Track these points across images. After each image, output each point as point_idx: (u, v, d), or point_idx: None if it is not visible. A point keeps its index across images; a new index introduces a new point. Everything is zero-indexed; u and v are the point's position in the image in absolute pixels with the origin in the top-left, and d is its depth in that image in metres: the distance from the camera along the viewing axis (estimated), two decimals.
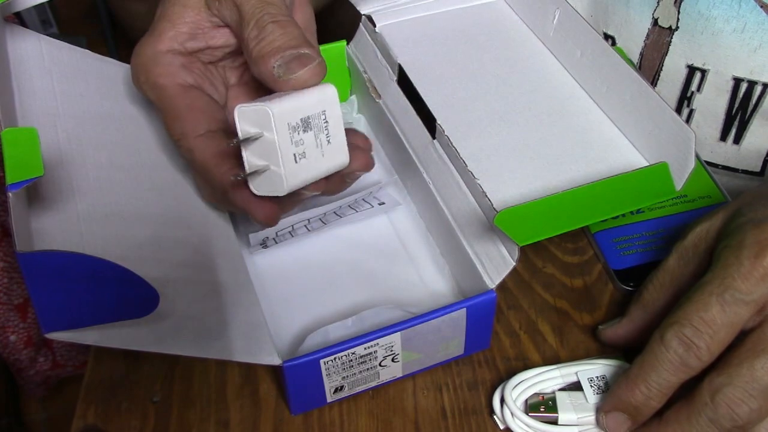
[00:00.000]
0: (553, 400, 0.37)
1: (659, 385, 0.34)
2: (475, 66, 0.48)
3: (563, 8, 0.46)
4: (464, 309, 0.37)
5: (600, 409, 0.36)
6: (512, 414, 0.37)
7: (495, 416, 0.38)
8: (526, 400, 0.38)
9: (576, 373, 0.38)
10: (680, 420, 0.33)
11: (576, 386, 0.38)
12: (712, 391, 0.33)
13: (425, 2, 0.52)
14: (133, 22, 1.06)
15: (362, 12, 0.50)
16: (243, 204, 0.39)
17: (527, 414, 0.37)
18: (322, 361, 0.36)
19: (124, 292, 0.32)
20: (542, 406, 0.37)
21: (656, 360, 0.34)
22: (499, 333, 0.42)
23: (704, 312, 0.33)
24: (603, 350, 0.41)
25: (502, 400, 0.38)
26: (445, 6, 0.52)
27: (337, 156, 0.39)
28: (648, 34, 0.51)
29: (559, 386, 0.38)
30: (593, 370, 0.38)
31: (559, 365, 0.39)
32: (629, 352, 0.40)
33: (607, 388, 0.37)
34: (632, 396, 0.34)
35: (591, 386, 0.38)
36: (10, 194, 0.32)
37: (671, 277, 0.38)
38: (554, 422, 0.37)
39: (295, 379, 0.36)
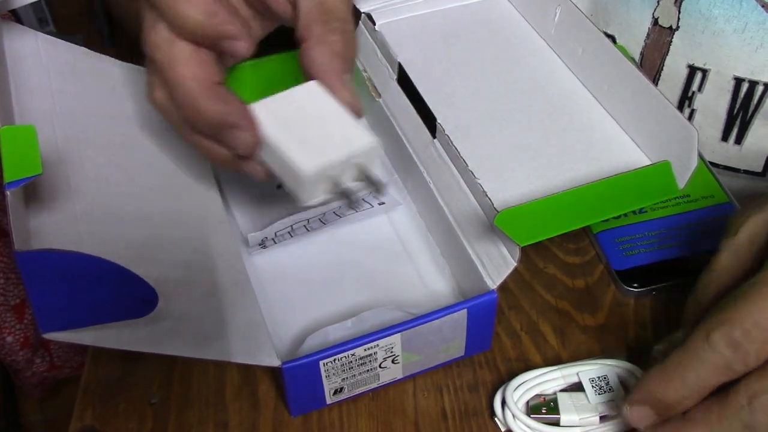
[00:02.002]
0: (555, 401, 0.37)
1: (697, 386, 0.31)
2: (476, 64, 0.48)
3: (564, 5, 0.46)
4: (465, 310, 0.37)
5: (626, 399, 0.34)
6: (513, 415, 0.37)
7: (496, 418, 0.38)
8: (528, 402, 0.37)
9: (577, 374, 0.38)
10: (710, 420, 0.31)
11: (577, 387, 0.38)
12: (750, 394, 0.30)
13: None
14: (130, 20, 1.06)
15: (361, 10, 0.50)
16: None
17: (528, 415, 0.37)
18: (321, 363, 0.35)
19: (122, 292, 0.32)
20: (544, 408, 0.37)
21: (698, 359, 0.31)
22: (500, 334, 0.42)
23: (759, 315, 0.30)
24: (604, 351, 0.41)
25: (503, 402, 0.38)
26: (446, 3, 0.52)
27: None
28: (648, 34, 0.51)
29: (560, 387, 0.38)
30: (595, 370, 0.38)
31: (560, 366, 0.39)
32: (632, 354, 0.40)
33: (609, 389, 0.37)
34: (665, 392, 0.32)
35: (593, 387, 0.37)
36: (8, 193, 0.32)
37: (727, 278, 0.35)
38: (556, 423, 0.37)
39: (294, 381, 0.36)
